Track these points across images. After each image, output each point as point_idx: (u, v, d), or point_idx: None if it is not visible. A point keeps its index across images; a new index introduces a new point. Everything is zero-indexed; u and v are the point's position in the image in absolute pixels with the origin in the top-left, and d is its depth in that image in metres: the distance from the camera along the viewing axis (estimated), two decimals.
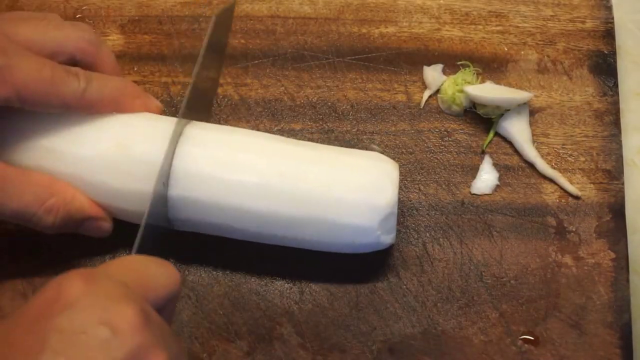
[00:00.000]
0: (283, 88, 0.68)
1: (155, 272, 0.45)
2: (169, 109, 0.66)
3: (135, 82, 0.67)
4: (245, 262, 0.61)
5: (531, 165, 0.65)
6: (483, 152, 0.65)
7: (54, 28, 0.56)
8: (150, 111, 0.58)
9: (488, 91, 0.65)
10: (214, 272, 0.61)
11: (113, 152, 0.55)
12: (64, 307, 0.38)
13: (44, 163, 0.55)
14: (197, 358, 0.58)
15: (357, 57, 0.68)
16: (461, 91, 0.66)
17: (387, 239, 0.56)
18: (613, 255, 0.62)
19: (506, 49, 0.69)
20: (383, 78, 0.67)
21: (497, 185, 0.64)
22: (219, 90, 0.67)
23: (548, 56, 0.69)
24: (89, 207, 0.56)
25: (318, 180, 0.55)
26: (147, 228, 0.51)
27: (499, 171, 0.64)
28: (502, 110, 0.65)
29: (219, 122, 0.66)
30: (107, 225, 0.57)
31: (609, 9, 0.71)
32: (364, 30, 0.70)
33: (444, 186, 0.64)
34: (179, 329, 0.58)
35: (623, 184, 0.64)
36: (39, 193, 0.53)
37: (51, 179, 0.54)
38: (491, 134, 0.66)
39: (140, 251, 0.49)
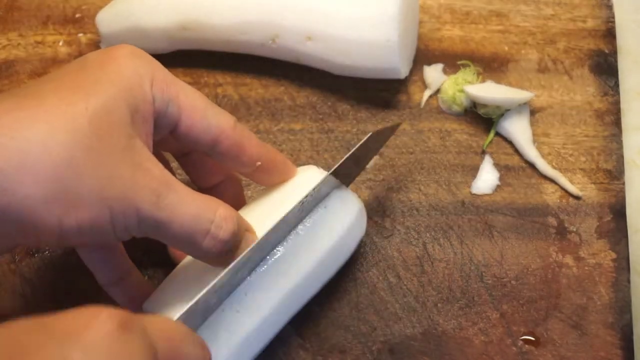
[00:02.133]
0: (283, 88, 0.67)
1: (190, 351, 0.42)
2: None
3: None
4: None
5: (532, 165, 0.65)
6: (483, 152, 0.65)
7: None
8: (287, 170, 0.56)
9: (488, 91, 0.65)
10: None
11: None
12: (87, 341, 0.36)
13: None
14: None
15: None
16: (461, 91, 0.66)
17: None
18: (614, 255, 0.61)
19: (507, 49, 0.69)
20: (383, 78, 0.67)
21: (498, 185, 0.64)
22: (219, 90, 0.67)
23: (549, 56, 0.69)
24: (245, 220, 0.51)
25: None
26: (200, 303, 0.47)
27: (499, 171, 0.64)
28: (503, 110, 0.65)
29: None
30: (255, 236, 0.52)
31: (609, 8, 0.71)
32: None
33: (444, 186, 0.64)
34: None
35: (624, 184, 0.64)
36: (207, 201, 0.48)
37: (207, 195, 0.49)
38: (491, 134, 0.65)
39: (184, 319, 0.46)
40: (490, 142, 0.65)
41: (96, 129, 0.43)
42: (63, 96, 0.44)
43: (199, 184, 0.57)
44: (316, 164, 0.64)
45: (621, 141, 0.66)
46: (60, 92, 0.44)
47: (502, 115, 0.65)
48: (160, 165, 0.46)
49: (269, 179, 0.55)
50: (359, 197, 0.63)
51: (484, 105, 0.65)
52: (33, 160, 0.41)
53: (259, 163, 0.53)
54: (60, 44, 0.69)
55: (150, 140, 0.48)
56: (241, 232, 0.49)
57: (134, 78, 0.47)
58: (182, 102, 0.49)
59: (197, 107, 0.50)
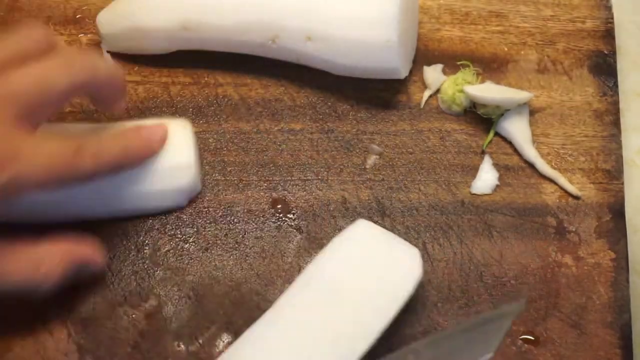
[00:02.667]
0: (283, 88, 0.68)
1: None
2: (169, 109, 0.66)
3: (135, 82, 0.67)
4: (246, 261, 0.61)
5: (531, 165, 0.65)
6: (483, 152, 0.65)
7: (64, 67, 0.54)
8: (158, 138, 0.59)
9: (488, 91, 0.65)
10: (214, 272, 0.61)
11: None
12: None
13: None
14: (197, 358, 0.58)
15: None
16: (461, 91, 0.66)
17: None
18: (613, 255, 0.62)
19: (506, 49, 0.69)
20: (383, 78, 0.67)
21: (497, 185, 0.64)
22: (219, 90, 0.67)
23: (548, 56, 0.69)
24: (81, 252, 0.56)
25: None
26: None
27: (499, 171, 0.64)
28: (502, 110, 0.65)
29: (219, 122, 0.66)
30: (100, 259, 0.58)
31: (609, 9, 0.71)
32: None
33: (444, 186, 0.64)
34: (179, 329, 0.58)
35: (623, 184, 0.64)
36: (31, 261, 0.53)
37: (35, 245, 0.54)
38: (491, 134, 0.66)
39: None
40: (490, 142, 0.66)
41: None
42: None
43: None
44: (316, 164, 0.65)
45: (620, 141, 0.66)
46: None
47: (501, 115, 0.65)
48: None
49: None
50: (360, 198, 0.63)
51: (484, 106, 0.65)
52: None
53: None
54: None
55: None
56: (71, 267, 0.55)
57: None
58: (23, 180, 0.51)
59: (38, 169, 0.51)
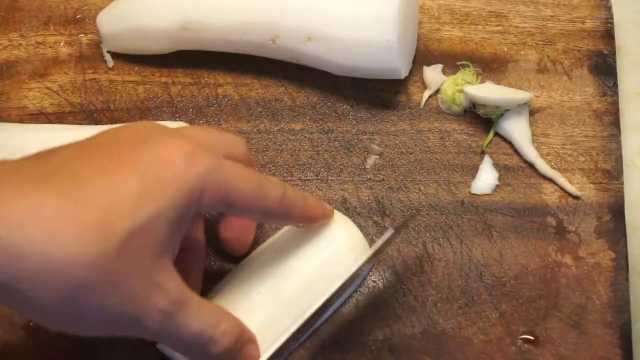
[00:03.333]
0: (283, 88, 0.68)
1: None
2: (169, 109, 0.67)
3: (135, 82, 0.68)
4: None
5: (531, 165, 0.65)
6: (483, 152, 0.65)
7: (218, 133, 0.52)
8: (326, 216, 0.56)
9: (488, 91, 0.65)
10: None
11: None
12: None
13: None
14: None
15: None
16: (461, 91, 0.66)
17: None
18: (613, 255, 0.62)
19: (506, 49, 0.69)
20: (383, 78, 0.67)
21: (497, 185, 0.64)
22: (219, 90, 0.67)
23: (548, 56, 0.69)
24: (249, 331, 0.51)
25: None
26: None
27: (498, 171, 0.65)
28: (502, 111, 0.65)
29: (219, 122, 0.66)
30: (258, 350, 0.52)
31: (608, 9, 0.71)
32: None
33: (444, 186, 0.64)
34: None
35: (622, 183, 0.64)
36: (212, 317, 0.48)
37: (217, 306, 0.51)
38: (491, 134, 0.66)
39: None
40: (490, 142, 0.66)
41: (124, 250, 0.42)
42: (102, 202, 0.42)
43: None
44: (316, 164, 0.65)
45: (620, 141, 0.66)
46: (102, 194, 0.42)
47: (501, 115, 0.65)
48: (178, 281, 0.46)
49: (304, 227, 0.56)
50: (360, 198, 0.63)
51: (483, 106, 0.65)
52: (50, 272, 0.40)
53: (301, 225, 0.55)
54: (61, 44, 0.69)
55: (181, 237, 0.47)
56: (240, 345, 0.50)
57: (185, 192, 0.44)
58: (233, 198, 0.47)
59: (247, 194, 0.48)
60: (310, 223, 0.55)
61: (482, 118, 0.66)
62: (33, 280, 0.40)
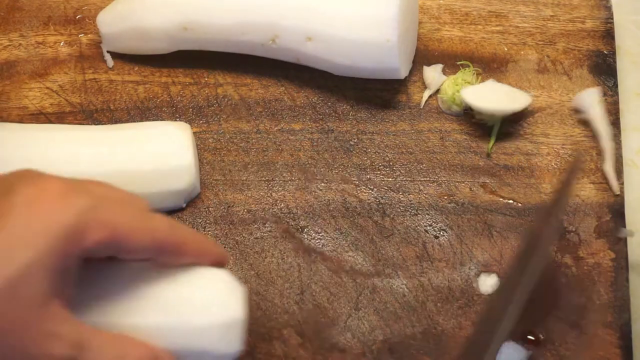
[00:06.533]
0: (283, 88, 0.68)
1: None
2: (169, 109, 0.67)
3: (135, 82, 0.68)
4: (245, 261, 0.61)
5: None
6: (489, 155, 0.65)
7: (114, 189, 0.48)
8: (220, 259, 0.51)
9: (487, 94, 0.65)
10: None
11: None
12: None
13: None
14: None
15: None
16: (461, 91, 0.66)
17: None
18: (613, 255, 0.62)
19: (506, 49, 0.69)
20: (383, 78, 0.67)
21: (497, 185, 0.64)
22: (219, 90, 0.67)
23: (548, 56, 0.69)
24: (161, 350, 0.48)
25: None
26: None
27: (499, 171, 0.65)
28: (499, 118, 0.65)
29: (219, 122, 0.66)
30: None
31: (608, 9, 0.71)
32: None
33: (444, 186, 0.64)
34: None
35: (622, 184, 0.64)
36: (118, 349, 0.46)
37: (120, 335, 0.47)
38: (492, 139, 0.65)
39: None
40: (493, 145, 0.65)
41: (1, 304, 0.40)
42: None
43: None
44: (316, 164, 0.65)
45: (620, 141, 0.66)
46: None
47: (500, 121, 0.65)
48: (74, 323, 0.44)
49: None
50: (360, 198, 0.63)
51: (480, 112, 0.65)
52: None
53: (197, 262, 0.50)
54: (61, 44, 0.69)
55: (73, 279, 0.44)
56: None
57: (62, 234, 0.42)
58: (121, 235, 0.45)
59: (135, 227, 0.45)
60: (205, 260, 0.50)
61: None
62: None
